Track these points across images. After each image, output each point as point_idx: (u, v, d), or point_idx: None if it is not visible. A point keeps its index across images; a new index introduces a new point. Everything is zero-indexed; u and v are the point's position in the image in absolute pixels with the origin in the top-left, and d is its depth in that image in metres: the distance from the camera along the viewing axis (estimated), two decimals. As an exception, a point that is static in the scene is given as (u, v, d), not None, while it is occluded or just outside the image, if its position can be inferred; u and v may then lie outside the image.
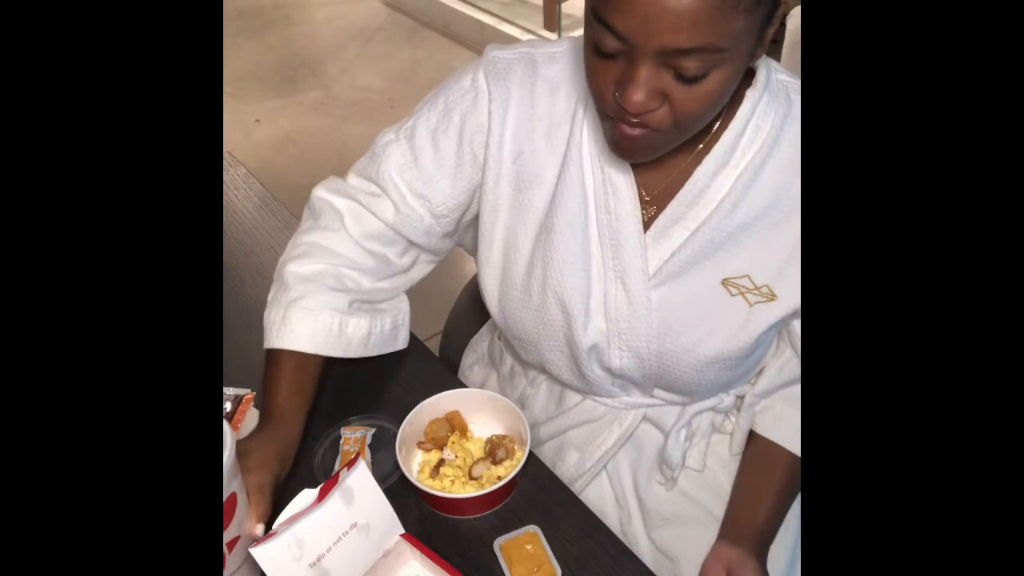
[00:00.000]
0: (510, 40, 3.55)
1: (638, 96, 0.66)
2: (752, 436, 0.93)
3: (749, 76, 0.80)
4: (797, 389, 0.91)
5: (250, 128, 3.27)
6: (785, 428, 0.90)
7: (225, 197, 1.34)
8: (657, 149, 0.75)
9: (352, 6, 4.39)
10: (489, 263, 0.91)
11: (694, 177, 0.80)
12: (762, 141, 0.79)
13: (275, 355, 0.88)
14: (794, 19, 2.24)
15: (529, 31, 3.53)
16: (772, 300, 0.82)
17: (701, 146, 0.81)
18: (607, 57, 0.67)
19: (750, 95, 0.79)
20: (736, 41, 0.64)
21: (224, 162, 1.41)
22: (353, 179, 0.95)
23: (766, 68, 0.80)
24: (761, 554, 0.86)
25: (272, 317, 0.90)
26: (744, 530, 0.87)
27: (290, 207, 1.34)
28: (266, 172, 2.87)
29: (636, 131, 0.71)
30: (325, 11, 4.34)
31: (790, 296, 0.81)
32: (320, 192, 0.95)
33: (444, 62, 3.70)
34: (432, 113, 0.89)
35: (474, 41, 3.81)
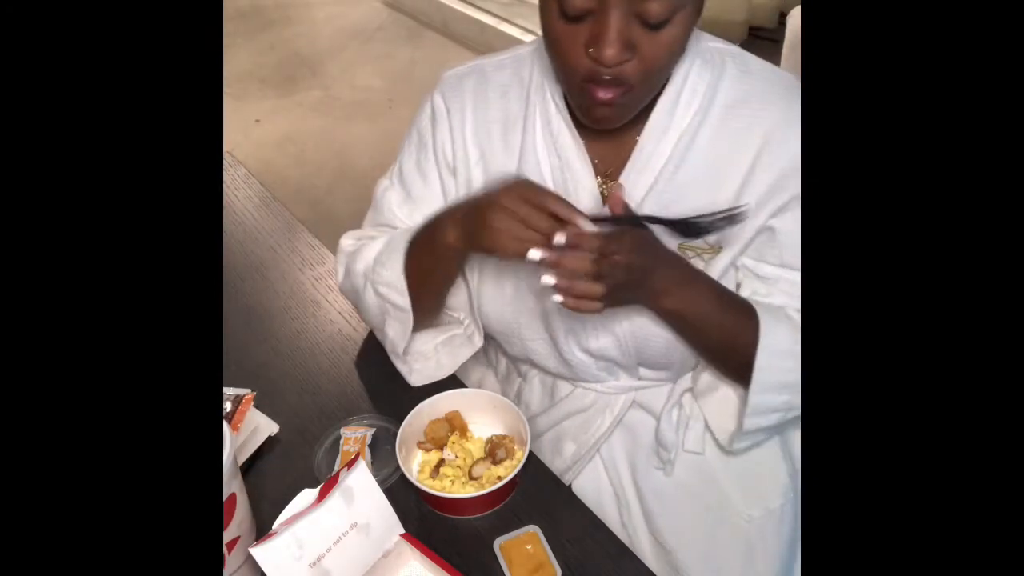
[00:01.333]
0: (510, 40, 3.55)
1: (612, 49, 0.71)
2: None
3: None
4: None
5: (250, 128, 3.27)
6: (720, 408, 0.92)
7: (225, 197, 1.34)
8: (629, 109, 0.78)
9: (352, 6, 4.39)
10: (470, 267, 0.93)
11: (639, 146, 0.84)
12: (698, 104, 0.83)
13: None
14: (794, 19, 2.24)
15: (529, 31, 3.53)
16: (719, 252, 0.85)
17: (646, 118, 0.84)
18: (574, 21, 0.72)
19: (680, 62, 0.82)
20: None
21: (224, 162, 1.41)
22: (368, 229, 1.01)
23: (695, 37, 0.84)
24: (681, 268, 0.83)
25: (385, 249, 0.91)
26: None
27: (290, 207, 1.34)
28: (266, 172, 2.87)
29: (610, 92, 0.74)
30: (325, 11, 4.34)
31: (734, 242, 0.84)
32: (346, 240, 1.00)
33: (444, 62, 3.66)
34: (411, 148, 0.96)
35: (474, 41, 3.81)
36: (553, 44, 0.75)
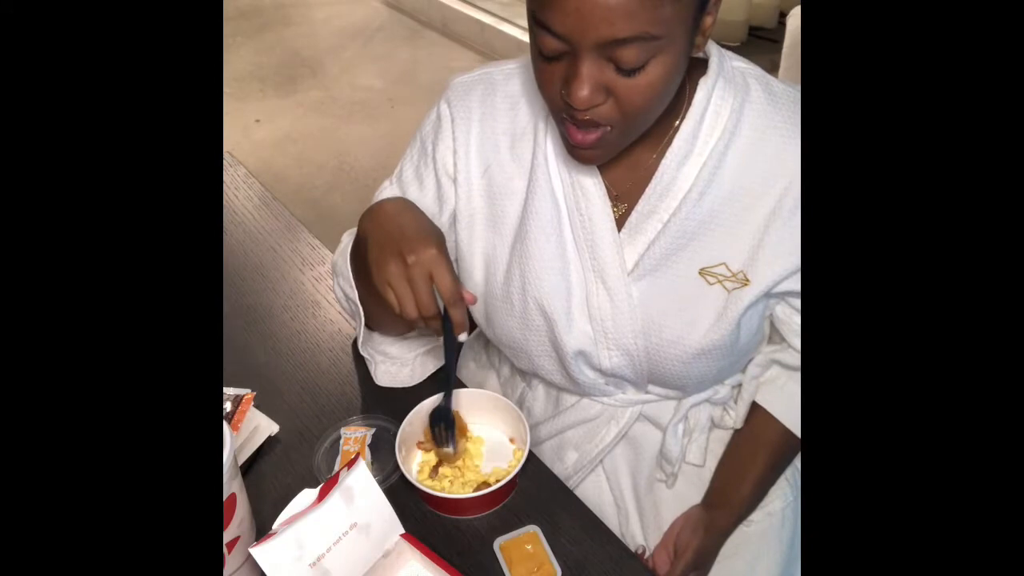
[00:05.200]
0: (510, 40, 3.55)
1: (583, 91, 0.69)
2: (753, 406, 0.94)
3: (703, 66, 0.82)
4: (797, 359, 0.92)
5: (250, 128, 3.27)
6: (785, 402, 0.92)
7: (225, 197, 1.34)
8: (612, 147, 0.77)
9: (352, 6, 4.39)
10: (471, 278, 0.92)
11: (660, 170, 0.82)
12: (722, 128, 0.81)
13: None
14: (794, 19, 2.24)
15: (529, 31, 3.53)
16: (746, 285, 0.83)
17: (664, 140, 0.83)
18: (551, 60, 0.71)
19: (703, 83, 0.81)
20: (669, 28, 0.67)
21: (224, 162, 1.41)
22: None
23: (718, 56, 0.82)
24: (730, 525, 0.92)
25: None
26: (721, 500, 0.92)
27: (290, 207, 1.34)
28: (266, 172, 2.87)
29: (589, 134, 0.74)
30: (325, 11, 4.34)
31: (761, 279, 0.83)
32: (346, 237, 1.00)
33: (444, 62, 3.70)
34: (413, 152, 0.95)
35: (474, 41, 3.81)
36: (536, 75, 0.75)
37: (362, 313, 0.90)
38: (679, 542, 0.90)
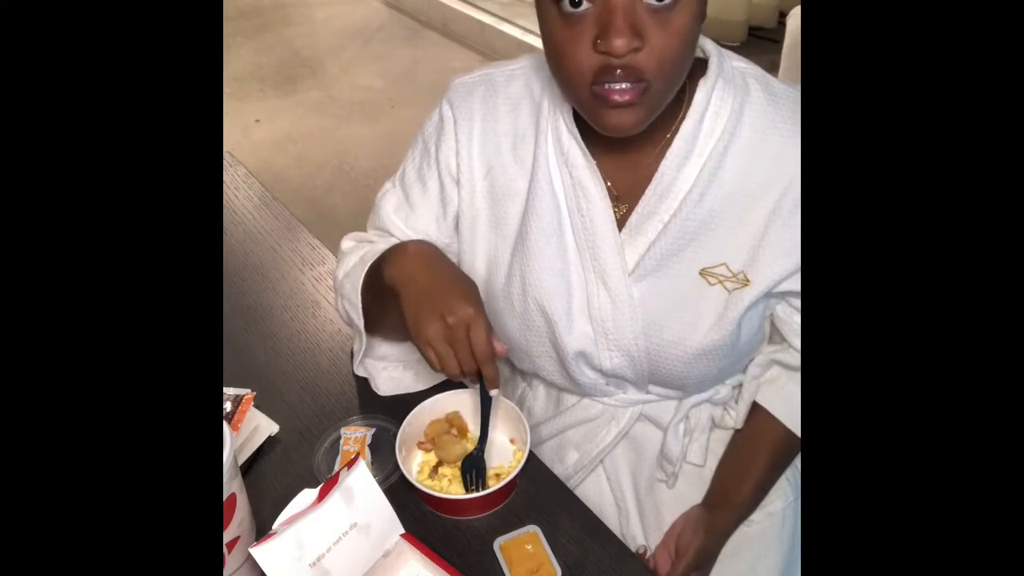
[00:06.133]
0: (510, 40, 3.55)
1: (622, 36, 0.68)
2: (754, 406, 0.94)
3: (703, 66, 0.82)
4: (797, 360, 0.92)
5: (250, 128, 3.27)
6: (785, 402, 0.92)
7: (225, 197, 1.34)
8: (649, 111, 0.74)
9: (352, 6, 4.39)
10: (473, 278, 0.91)
11: (660, 170, 0.82)
12: (722, 128, 0.81)
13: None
14: (794, 19, 2.24)
15: (529, 31, 3.53)
16: (746, 285, 0.83)
17: (664, 140, 0.83)
18: (575, 23, 0.70)
19: (703, 84, 0.81)
20: None
21: (224, 162, 1.41)
22: (369, 231, 1.01)
23: (718, 56, 0.82)
24: (731, 525, 0.92)
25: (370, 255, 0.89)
26: (722, 500, 0.92)
27: (290, 207, 1.34)
28: (266, 172, 2.87)
29: (627, 92, 0.71)
30: (325, 11, 4.34)
31: (762, 280, 0.83)
32: (346, 241, 1.00)
33: (444, 62, 3.70)
34: (415, 154, 0.95)
35: (474, 41, 3.81)
36: (557, 49, 0.73)
37: (364, 339, 0.90)
38: (680, 542, 0.90)
